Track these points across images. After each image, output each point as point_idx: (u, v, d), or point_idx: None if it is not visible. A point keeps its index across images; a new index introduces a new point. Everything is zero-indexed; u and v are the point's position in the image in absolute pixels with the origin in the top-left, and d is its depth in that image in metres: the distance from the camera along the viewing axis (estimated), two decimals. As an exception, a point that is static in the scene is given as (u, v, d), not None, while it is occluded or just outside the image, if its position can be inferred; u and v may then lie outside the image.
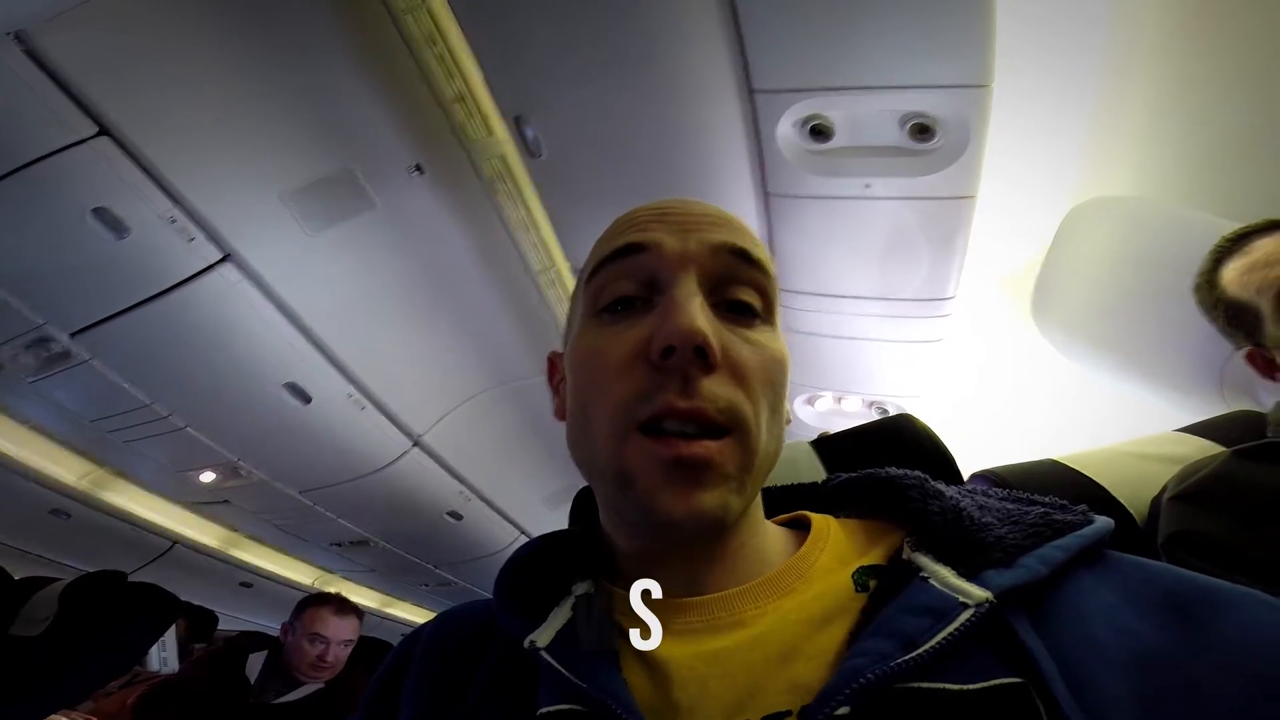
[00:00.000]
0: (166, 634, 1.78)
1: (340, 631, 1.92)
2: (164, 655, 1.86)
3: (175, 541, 3.72)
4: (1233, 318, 0.92)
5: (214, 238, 2.05)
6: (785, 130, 1.61)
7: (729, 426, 0.41)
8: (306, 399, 2.61)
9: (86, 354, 2.26)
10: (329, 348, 2.52)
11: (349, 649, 1.95)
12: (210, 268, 2.10)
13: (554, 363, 0.56)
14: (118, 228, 1.88)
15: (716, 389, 0.41)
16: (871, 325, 2.04)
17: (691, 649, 0.42)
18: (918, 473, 0.50)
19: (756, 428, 0.42)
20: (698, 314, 0.41)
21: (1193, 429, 0.93)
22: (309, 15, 1.76)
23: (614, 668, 0.41)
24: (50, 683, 1.33)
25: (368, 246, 2.30)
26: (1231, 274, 0.92)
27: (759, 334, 0.45)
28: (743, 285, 0.46)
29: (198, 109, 1.82)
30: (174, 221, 1.94)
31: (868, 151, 1.61)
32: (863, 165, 1.62)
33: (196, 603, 2.90)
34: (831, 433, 0.85)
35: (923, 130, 1.52)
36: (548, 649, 0.42)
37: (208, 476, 3.14)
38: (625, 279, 0.46)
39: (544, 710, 0.39)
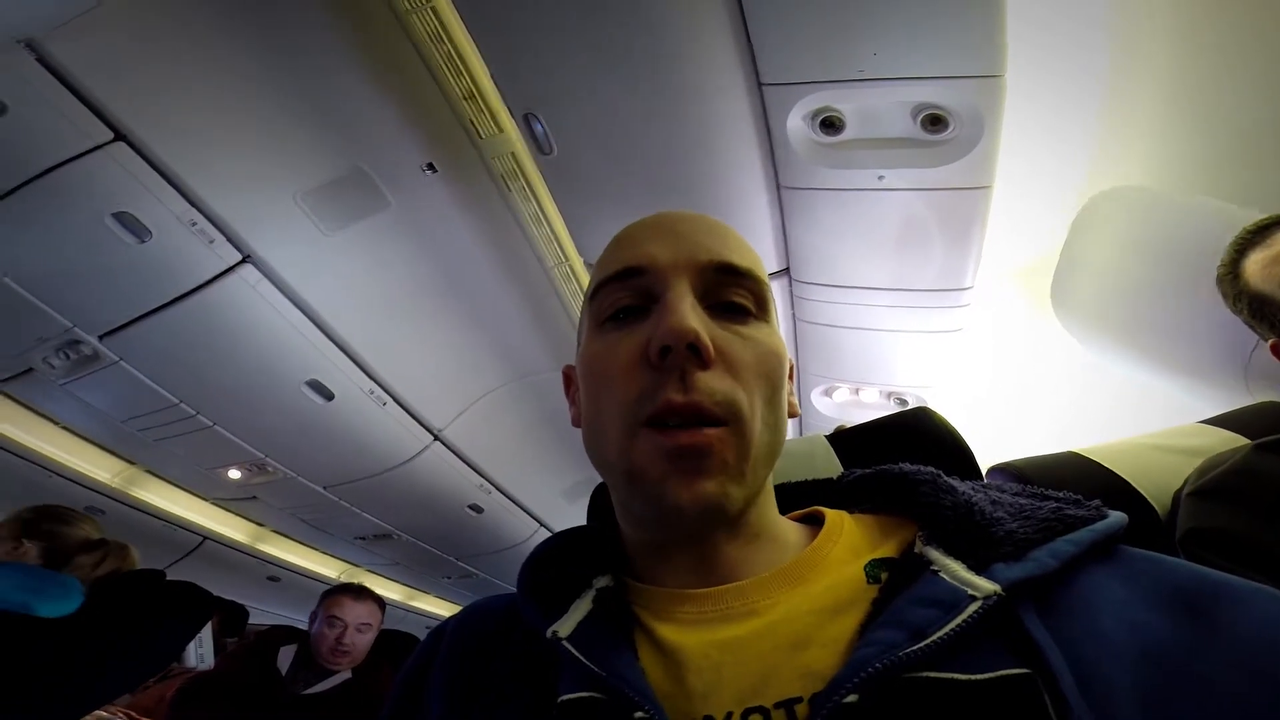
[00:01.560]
0: (204, 630, 1.83)
1: (356, 614, 1.96)
2: (200, 651, 1.91)
3: (205, 537, 3.81)
4: (1256, 310, 0.90)
5: (233, 240, 2.08)
6: (796, 123, 1.60)
7: (725, 418, 0.43)
8: (329, 396, 2.65)
9: (115, 356, 2.32)
10: (349, 345, 2.56)
11: (368, 634, 1.99)
12: (231, 269, 2.13)
13: (569, 376, 0.59)
14: (139, 232, 1.92)
15: (713, 383, 0.44)
16: (889, 316, 2.02)
17: (706, 637, 0.43)
18: (930, 468, 0.51)
19: (752, 418, 0.44)
20: (689, 314, 0.44)
21: (1217, 421, 0.91)
22: (315, 17, 1.76)
23: (631, 657, 0.42)
24: (88, 679, 1.37)
25: (383, 244, 2.32)
26: (1254, 266, 0.90)
27: (753, 330, 0.48)
28: (733, 289, 0.49)
29: (211, 113, 1.84)
30: (194, 224, 1.98)
31: (880, 143, 1.59)
32: (875, 157, 1.61)
33: (227, 597, 2.98)
34: (849, 426, 0.85)
35: (935, 121, 1.50)
36: (569, 639, 0.44)
37: (235, 473, 3.21)
38: (624, 294, 0.49)
39: (565, 697, 0.41)
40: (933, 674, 0.35)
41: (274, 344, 2.41)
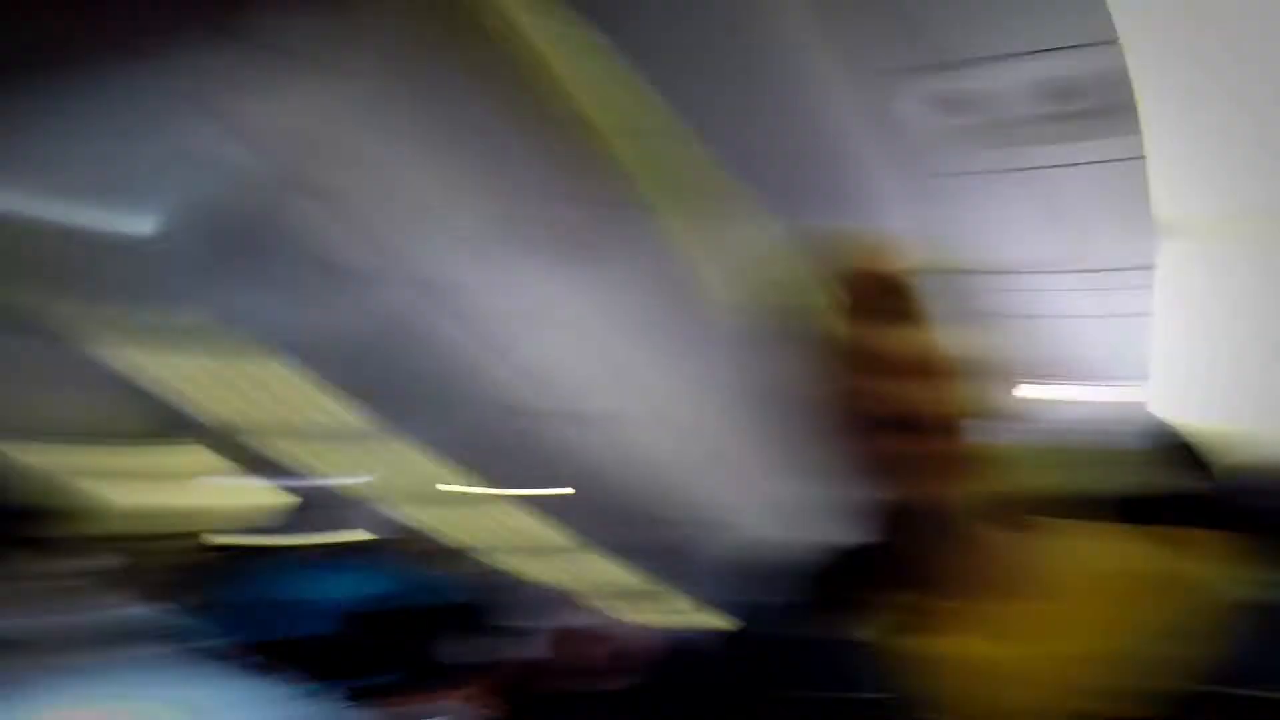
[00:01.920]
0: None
1: None
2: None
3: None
4: None
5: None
6: (924, 109, 1.55)
7: (932, 426, 0.42)
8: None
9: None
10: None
11: None
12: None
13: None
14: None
15: (911, 393, 0.42)
16: (1068, 300, 1.84)
17: (971, 650, 0.42)
18: (1206, 481, 0.50)
19: (957, 424, 0.42)
20: (864, 331, 0.43)
21: None
22: (476, 90, 1.93)
23: (914, 663, 0.44)
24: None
25: (597, 286, 2.60)
26: None
27: (928, 334, 0.45)
28: (895, 298, 0.46)
29: (419, 181, 2.21)
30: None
31: (1016, 122, 1.50)
32: (1015, 135, 1.52)
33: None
34: (1055, 421, 0.80)
35: (1068, 94, 1.39)
36: (851, 644, 0.46)
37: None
38: None
39: (849, 697, 0.44)
40: (1233, 690, 0.34)
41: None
